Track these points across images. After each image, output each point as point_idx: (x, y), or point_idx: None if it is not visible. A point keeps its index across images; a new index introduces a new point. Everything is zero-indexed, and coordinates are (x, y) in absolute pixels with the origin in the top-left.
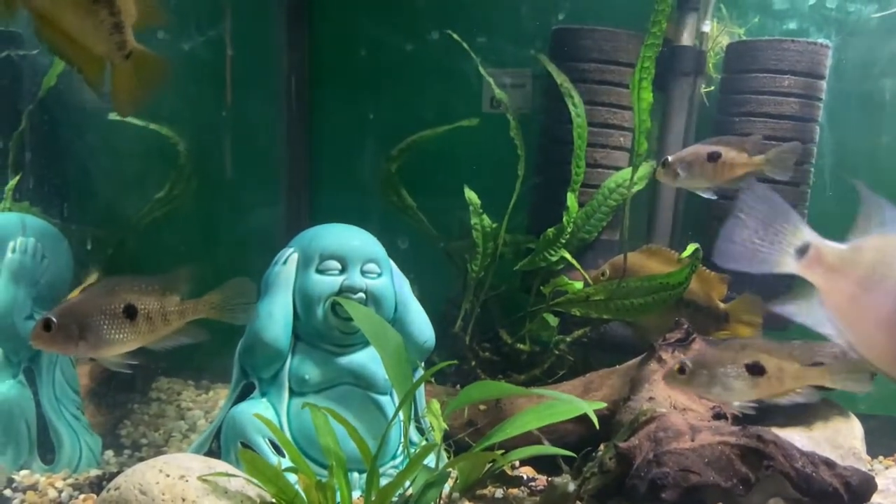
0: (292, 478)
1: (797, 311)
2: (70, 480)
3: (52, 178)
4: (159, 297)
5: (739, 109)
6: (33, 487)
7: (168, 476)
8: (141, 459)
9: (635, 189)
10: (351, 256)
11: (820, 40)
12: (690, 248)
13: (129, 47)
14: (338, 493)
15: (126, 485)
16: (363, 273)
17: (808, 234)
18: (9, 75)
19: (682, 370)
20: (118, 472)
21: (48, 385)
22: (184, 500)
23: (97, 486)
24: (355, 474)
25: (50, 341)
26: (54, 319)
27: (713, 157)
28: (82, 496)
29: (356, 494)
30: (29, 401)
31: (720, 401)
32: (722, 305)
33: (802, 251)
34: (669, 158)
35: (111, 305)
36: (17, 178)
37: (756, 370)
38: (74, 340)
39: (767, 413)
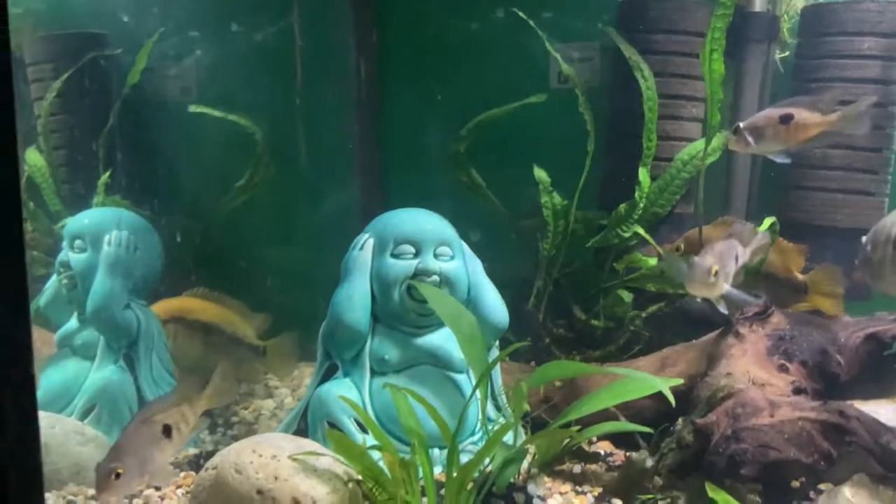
0: (376, 455)
1: None
2: (170, 459)
3: (139, 172)
4: (177, 407)
5: (817, 75)
6: None
7: (261, 456)
8: (234, 437)
9: (709, 161)
10: (424, 240)
11: None
12: (767, 221)
13: None
14: (420, 470)
15: (223, 464)
16: (436, 256)
17: None
18: (96, 76)
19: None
20: (214, 450)
21: (146, 369)
22: (276, 478)
23: (195, 464)
24: (436, 450)
25: (121, 488)
26: (120, 469)
27: (785, 120)
28: (182, 474)
29: (437, 470)
30: (130, 384)
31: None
32: (801, 277)
33: None
34: (741, 125)
35: (153, 432)
36: (108, 173)
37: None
38: (139, 477)
39: (852, 386)
